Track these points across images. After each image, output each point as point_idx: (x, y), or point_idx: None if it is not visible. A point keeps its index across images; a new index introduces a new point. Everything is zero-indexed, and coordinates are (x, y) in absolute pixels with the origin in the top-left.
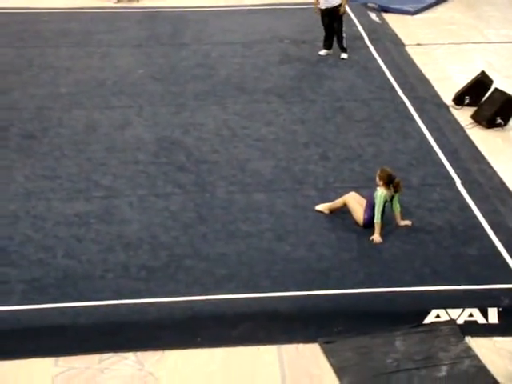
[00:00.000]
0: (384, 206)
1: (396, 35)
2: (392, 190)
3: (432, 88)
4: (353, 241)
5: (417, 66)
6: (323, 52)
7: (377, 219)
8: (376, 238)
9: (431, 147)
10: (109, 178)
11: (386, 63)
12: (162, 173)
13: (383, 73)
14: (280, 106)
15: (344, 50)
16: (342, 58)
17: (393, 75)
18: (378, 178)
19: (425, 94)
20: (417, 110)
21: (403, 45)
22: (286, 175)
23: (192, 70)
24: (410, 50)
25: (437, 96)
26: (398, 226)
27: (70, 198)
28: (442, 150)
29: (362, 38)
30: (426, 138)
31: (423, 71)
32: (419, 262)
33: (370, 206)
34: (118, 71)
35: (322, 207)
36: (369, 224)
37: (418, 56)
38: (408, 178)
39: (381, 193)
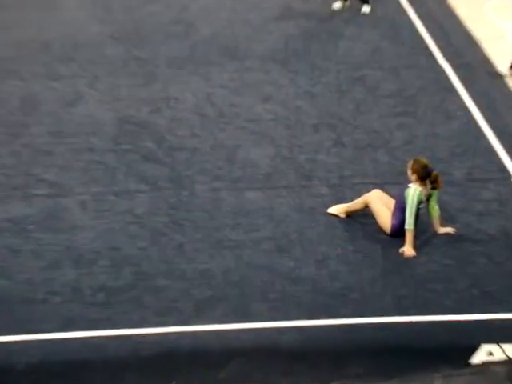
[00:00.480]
0: (418, 209)
1: None
2: (429, 186)
3: (482, 51)
4: (377, 254)
5: (462, 22)
6: (338, 4)
7: (408, 225)
8: (407, 250)
9: (480, 130)
10: (54, 171)
11: (420, 18)
12: (124, 164)
13: (417, 31)
14: (281, 76)
15: (365, 1)
16: (363, 13)
17: (430, 34)
18: (410, 172)
19: (473, 59)
20: (462, 80)
21: None
22: (288, 167)
23: (164, 27)
24: None
25: (488, 62)
26: (436, 235)
27: (4, 196)
28: (495, 134)
29: None
30: (473, 117)
31: (470, 29)
32: (465, 281)
33: (400, 209)
34: (66, 29)
35: (337, 210)
36: (398, 232)
37: (464, 8)
38: (450, 172)
39: (414, 190)
